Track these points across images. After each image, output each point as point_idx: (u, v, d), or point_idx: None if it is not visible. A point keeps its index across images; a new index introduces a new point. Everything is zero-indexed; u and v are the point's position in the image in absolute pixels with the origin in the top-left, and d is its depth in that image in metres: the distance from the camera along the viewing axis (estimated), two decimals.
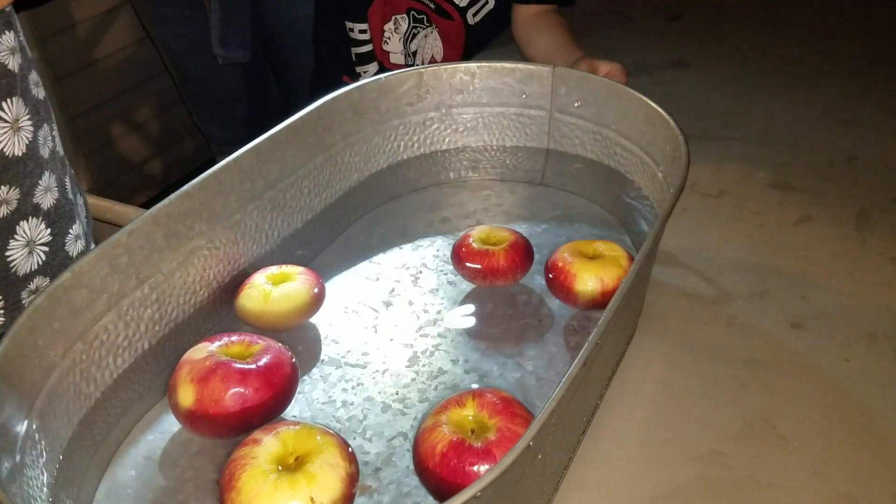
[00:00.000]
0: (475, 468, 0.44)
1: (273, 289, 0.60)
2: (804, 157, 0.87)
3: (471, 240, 0.64)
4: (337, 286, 0.66)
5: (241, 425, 0.50)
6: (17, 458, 0.43)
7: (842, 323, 0.65)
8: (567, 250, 0.62)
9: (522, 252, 0.63)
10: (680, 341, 0.64)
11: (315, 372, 0.59)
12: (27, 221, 0.63)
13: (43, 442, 0.47)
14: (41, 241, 0.65)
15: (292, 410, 0.55)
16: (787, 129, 0.92)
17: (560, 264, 0.61)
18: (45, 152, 0.63)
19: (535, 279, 0.65)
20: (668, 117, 0.62)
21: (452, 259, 0.65)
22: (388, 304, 0.64)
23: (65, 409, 0.49)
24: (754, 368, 0.61)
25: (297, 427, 0.47)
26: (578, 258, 0.61)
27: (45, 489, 0.45)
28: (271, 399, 0.51)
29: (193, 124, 1.76)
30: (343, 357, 0.59)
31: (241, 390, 0.50)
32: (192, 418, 0.50)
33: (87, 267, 0.51)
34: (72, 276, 0.50)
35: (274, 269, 0.62)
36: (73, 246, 0.69)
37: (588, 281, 0.59)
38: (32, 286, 0.66)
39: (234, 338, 0.54)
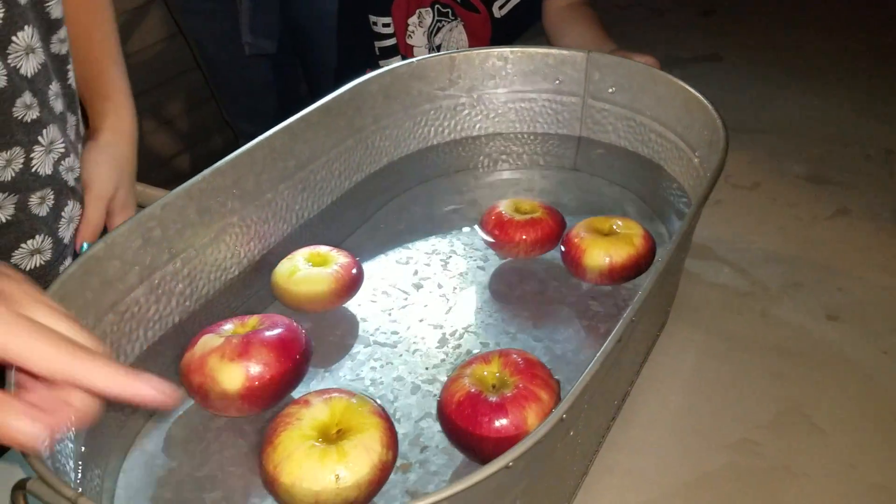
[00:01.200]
0: (487, 419, 0.45)
1: (302, 268, 0.59)
2: (839, 150, 0.85)
3: (501, 208, 0.64)
4: (366, 268, 0.66)
5: (293, 381, 0.51)
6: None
7: (878, 315, 0.64)
8: (583, 226, 0.62)
9: (557, 219, 0.64)
10: (713, 331, 0.63)
11: (342, 350, 0.58)
12: None
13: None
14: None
15: (319, 387, 0.55)
16: (822, 124, 0.91)
17: (573, 239, 0.61)
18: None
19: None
20: (705, 101, 0.61)
21: (483, 226, 0.65)
22: (417, 287, 0.64)
23: None
24: (788, 359, 0.60)
25: (353, 399, 0.46)
26: (592, 234, 0.61)
27: (71, 460, 0.45)
28: (302, 359, 0.51)
29: (222, 121, 1.77)
30: (372, 335, 0.59)
31: (278, 352, 0.50)
32: (247, 395, 0.49)
33: (121, 238, 0.51)
34: (105, 246, 0.50)
35: (323, 249, 0.61)
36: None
37: (596, 256, 0.59)
38: None
39: (227, 325, 0.52)
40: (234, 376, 0.48)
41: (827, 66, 1.03)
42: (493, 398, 0.46)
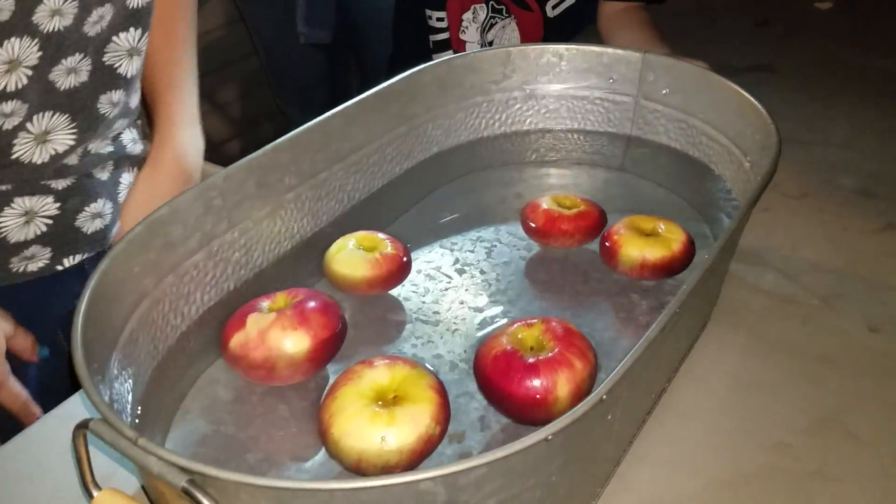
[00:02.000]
0: (518, 377, 0.47)
1: (345, 250, 0.61)
2: (890, 166, 0.85)
3: (543, 201, 0.66)
4: (411, 250, 0.68)
5: (341, 342, 0.54)
6: (112, 371, 0.45)
7: None
8: (625, 223, 0.63)
9: (598, 214, 0.66)
10: (754, 335, 0.63)
11: (385, 325, 0.60)
12: (30, 197, 0.63)
13: (130, 369, 0.49)
14: (45, 213, 0.65)
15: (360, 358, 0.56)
16: (875, 138, 0.90)
17: (613, 235, 0.62)
18: (71, 159, 0.63)
19: None
20: (759, 106, 0.62)
21: (525, 216, 0.66)
22: (460, 272, 0.65)
23: (151, 337, 0.52)
24: (828, 366, 0.60)
25: (414, 369, 0.48)
26: (631, 231, 0.62)
27: (127, 416, 0.48)
28: (344, 321, 0.54)
29: (274, 108, 1.80)
30: (414, 314, 0.61)
31: (328, 315, 0.53)
32: (313, 356, 0.52)
33: (184, 204, 0.53)
34: (169, 210, 0.52)
35: (380, 236, 0.62)
36: (89, 224, 0.69)
37: (631, 254, 0.61)
38: (27, 253, 0.66)
39: (263, 303, 0.54)
40: (299, 342, 0.51)
41: (882, 84, 1.02)
42: (528, 358, 0.48)
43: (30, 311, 0.65)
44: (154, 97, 0.76)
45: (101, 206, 0.68)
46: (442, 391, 0.48)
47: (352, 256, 0.60)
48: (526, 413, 0.48)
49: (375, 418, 0.45)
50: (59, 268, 0.68)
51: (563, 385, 0.47)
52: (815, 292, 0.67)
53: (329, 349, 0.53)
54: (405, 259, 0.61)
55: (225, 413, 0.53)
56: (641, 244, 0.61)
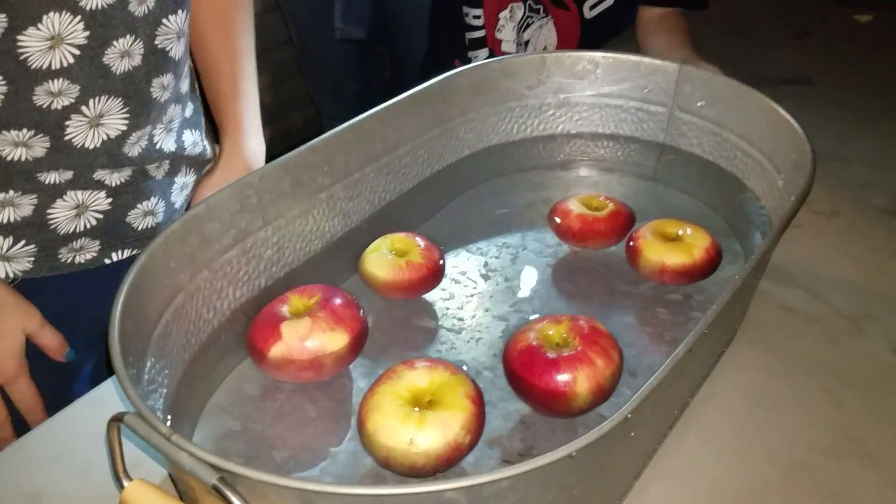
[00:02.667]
0: (539, 371, 0.50)
1: (378, 251, 0.62)
2: None
3: (571, 202, 0.68)
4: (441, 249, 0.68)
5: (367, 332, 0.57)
6: (147, 363, 0.47)
7: None
8: (651, 226, 0.64)
9: (625, 215, 0.67)
10: (778, 352, 0.63)
11: (410, 329, 0.61)
12: (83, 192, 0.64)
13: (163, 361, 0.50)
14: (96, 208, 0.65)
15: (386, 361, 0.57)
16: None
17: (637, 238, 0.64)
18: (132, 150, 0.64)
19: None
20: (794, 124, 0.61)
21: (552, 215, 0.68)
22: (485, 278, 0.66)
23: (185, 331, 0.53)
24: (851, 388, 0.60)
25: (454, 375, 0.49)
26: (655, 235, 0.63)
27: (161, 398, 0.49)
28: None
29: (305, 97, 1.82)
30: (438, 320, 0.61)
31: (352, 309, 0.55)
32: (353, 347, 0.54)
33: (221, 202, 0.54)
34: (206, 208, 0.53)
35: (418, 242, 0.62)
36: (140, 221, 0.69)
37: (650, 259, 0.62)
38: (76, 245, 0.66)
39: (284, 308, 0.55)
40: (339, 339, 0.53)
41: None
42: (550, 354, 0.50)
43: (74, 304, 0.67)
44: (220, 105, 0.78)
45: (154, 204, 0.69)
46: (478, 401, 0.48)
47: (380, 258, 0.61)
48: (546, 405, 0.51)
49: (407, 419, 0.46)
50: (107, 261, 0.69)
51: (582, 382, 0.49)
52: (841, 312, 0.67)
53: (364, 338, 0.56)
54: (432, 269, 0.61)
55: (253, 409, 0.54)
56: (662, 249, 0.62)
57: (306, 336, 0.52)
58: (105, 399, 0.59)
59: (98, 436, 0.55)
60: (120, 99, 0.61)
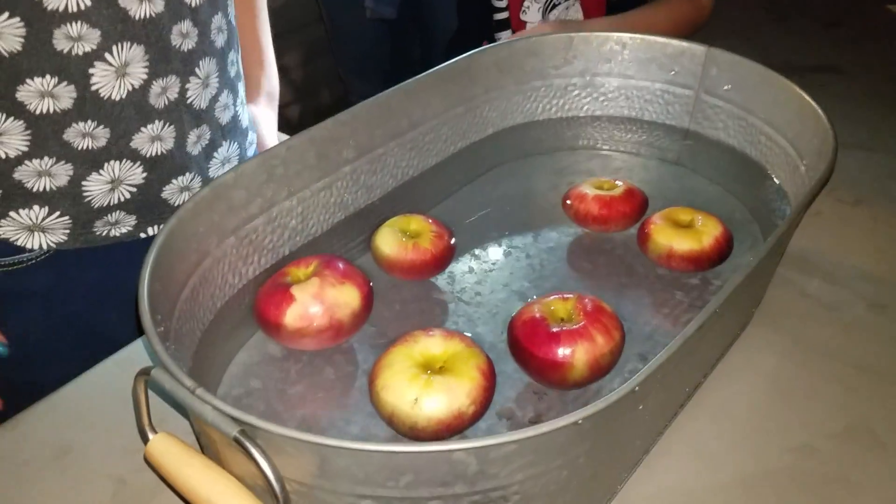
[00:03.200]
0: (540, 342, 0.52)
1: (386, 230, 0.62)
2: None
3: (584, 185, 0.68)
4: (458, 230, 0.69)
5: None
6: (174, 323, 0.48)
7: None
8: (665, 212, 0.65)
9: (639, 199, 0.67)
10: (794, 338, 0.63)
11: (428, 302, 0.62)
12: (119, 162, 0.64)
13: (189, 323, 0.52)
14: (131, 181, 0.66)
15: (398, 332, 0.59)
16: None
17: (648, 224, 0.64)
18: (158, 102, 0.64)
19: None
20: (818, 109, 0.61)
21: (566, 199, 0.69)
22: (506, 254, 0.67)
23: (211, 294, 0.55)
24: (865, 375, 0.60)
25: (469, 347, 0.50)
26: (666, 221, 0.64)
27: (187, 357, 0.51)
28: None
29: (334, 76, 1.83)
30: (457, 293, 0.62)
31: (354, 269, 0.57)
32: (365, 303, 0.56)
33: (249, 170, 0.56)
34: (234, 176, 0.55)
35: (431, 226, 0.62)
36: (176, 196, 0.70)
37: (659, 244, 0.63)
38: (111, 218, 0.67)
39: (287, 279, 0.55)
40: (351, 293, 0.55)
41: None
42: (553, 327, 0.52)
43: (109, 276, 0.68)
44: (245, 75, 0.78)
45: (189, 179, 0.70)
46: (489, 375, 0.50)
47: (391, 234, 0.62)
48: (544, 374, 0.53)
49: (414, 381, 0.48)
50: (143, 235, 0.70)
51: (580, 355, 0.51)
52: (860, 300, 0.67)
53: (372, 297, 0.57)
54: (436, 255, 0.61)
55: (275, 370, 0.56)
56: (671, 234, 0.63)
57: (319, 292, 0.53)
58: (132, 359, 0.61)
59: (125, 394, 0.56)
60: (142, 46, 0.60)
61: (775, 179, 0.68)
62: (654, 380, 0.42)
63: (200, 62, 0.66)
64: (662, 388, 0.47)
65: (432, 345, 0.50)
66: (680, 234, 0.63)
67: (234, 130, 0.73)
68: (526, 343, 0.53)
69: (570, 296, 0.55)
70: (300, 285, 0.54)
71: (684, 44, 0.72)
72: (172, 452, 0.43)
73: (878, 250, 0.73)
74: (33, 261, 0.66)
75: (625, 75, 0.76)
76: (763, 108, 0.69)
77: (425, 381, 0.48)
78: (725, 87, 0.71)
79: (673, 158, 0.77)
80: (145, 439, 0.44)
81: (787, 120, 0.66)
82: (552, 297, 0.55)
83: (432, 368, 0.49)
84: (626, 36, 0.74)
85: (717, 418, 0.57)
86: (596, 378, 0.53)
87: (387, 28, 1.54)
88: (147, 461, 0.43)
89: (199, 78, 0.66)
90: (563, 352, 0.51)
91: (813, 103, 0.62)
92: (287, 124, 2.00)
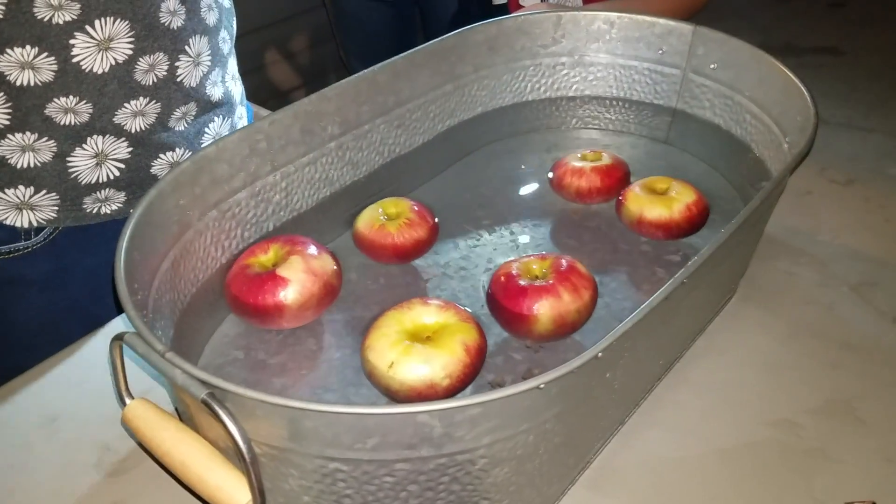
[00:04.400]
0: (510, 294, 0.55)
1: (366, 213, 0.63)
2: None
3: (569, 157, 0.70)
4: (445, 207, 0.70)
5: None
6: (151, 296, 0.49)
7: None
8: (642, 182, 0.67)
9: (621, 169, 0.69)
10: (778, 315, 0.63)
11: (412, 275, 0.62)
12: (102, 137, 0.64)
13: (170, 294, 0.53)
14: (116, 157, 0.65)
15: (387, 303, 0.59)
16: None
17: (626, 192, 0.66)
18: (145, 79, 0.63)
19: None
20: (802, 87, 0.61)
21: (552, 170, 0.70)
22: (490, 231, 0.67)
23: (192, 267, 0.55)
24: (848, 353, 0.60)
25: (462, 323, 0.51)
26: (642, 189, 0.65)
27: (170, 329, 0.51)
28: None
29: (338, 61, 1.83)
30: (441, 268, 0.63)
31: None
32: (338, 272, 0.58)
33: (231, 144, 0.56)
34: (216, 149, 0.55)
35: (411, 209, 0.62)
36: (178, 123, 0.69)
37: (631, 209, 0.65)
38: (101, 195, 0.67)
39: (259, 257, 0.56)
40: (328, 258, 0.57)
41: None
42: (524, 282, 0.55)
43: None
44: None
45: (179, 155, 0.70)
46: (474, 353, 0.50)
47: (363, 219, 0.62)
48: (512, 326, 0.56)
49: (395, 345, 0.49)
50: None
51: (545, 311, 0.54)
52: (847, 279, 0.67)
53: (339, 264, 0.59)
54: (406, 243, 0.61)
55: (257, 341, 0.56)
56: (643, 201, 0.64)
57: (307, 267, 0.55)
58: (119, 331, 0.62)
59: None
60: (127, 21, 0.60)
61: (760, 157, 0.68)
62: (620, 347, 0.43)
63: (190, 40, 0.66)
64: (633, 357, 0.47)
65: (425, 314, 0.52)
66: (652, 202, 0.64)
67: (225, 106, 0.74)
68: (497, 296, 0.56)
69: (550, 256, 0.57)
70: (285, 266, 0.55)
71: (672, 23, 0.72)
72: (148, 417, 0.44)
73: (868, 230, 0.73)
74: (32, 247, 0.67)
75: (613, 54, 0.76)
76: (749, 86, 0.69)
77: (405, 348, 0.49)
78: (712, 66, 0.71)
79: (661, 137, 0.77)
80: (123, 403, 0.45)
81: (773, 98, 0.66)
82: (532, 257, 0.58)
83: (419, 337, 0.50)
84: (613, 15, 0.74)
85: (696, 391, 0.57)
86: (562, 334, 0.55)
87: (389, 12, 1.55)
88: (124, 425, 0.44)
89: (190, 56, 0.66)
90: (528, 305, 0.54)
91: (797, 81, 0.62)
92: None
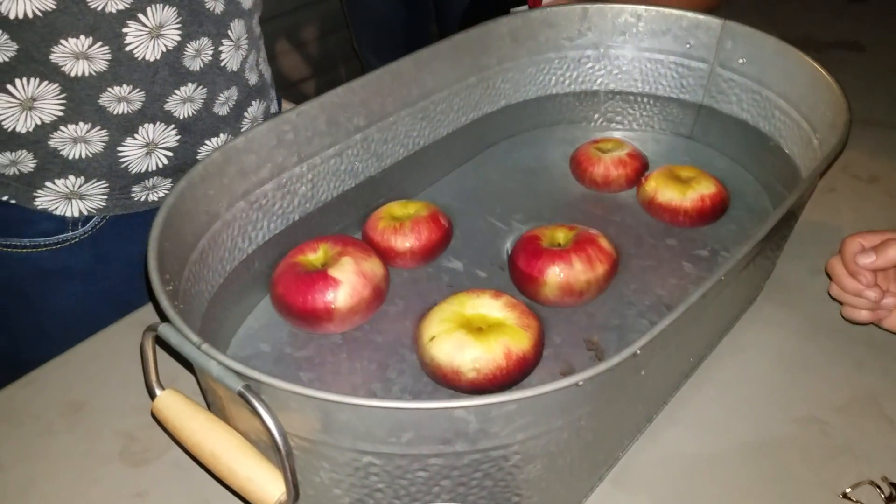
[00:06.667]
0: (525, 256, 0.58)
1: (385, 213, 0.63)
2: None
3: (587, 147, 0.72)
4: (466, 199, 0.70)
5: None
6: (182, 284, 0.49)
7: None
8: (667, 167, 0.68)
9: (640, 159, 0.71)
10: (803, 312, 0.63)
11: (433, 269, 0.62)
12: (153, 125, 0.64)
13: (198, 285, 0.53)
14: (165, 145, 0.66)
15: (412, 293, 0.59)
16: None
17: (649, 175, 0.68)
18: (192, 64, 0.63)
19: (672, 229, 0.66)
20: (833, 82, 0.61)
21: (570, 162, 0.72)
22: (508, 223, 0.67)
23: (220, 257, 0.55)
24: (874, 350, 0.60)
25: (516, 327, 0.51)
26: (662, 173, 0.67)
27: (196, 320, 0.51)
28: None
29: (350, 51, 1.82)
30: (462, 262, 0.63)
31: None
32: (387, 274, 0.58)
33: (259, 135, 0.56)
34: (245, 140, 0.55)
35: (419, 213, 0.62)
36: (221, 108, 0.69)
37: (646, 189, 0.67)
38: (148, 183, 0.67)
39: (310, 256, 0.57)
40: (377, 263, 0.57)
41: None
42: (544, 246, 0.58)
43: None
44: None
45: (223, 140, 0.70)
46: (516, 361, 0.50)
47: (389, 212, 0.63)
48: (521, 285, 0.58)
49: (443, 322, 0.51)
50: None
51: (553, 276, 0.56)
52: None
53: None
54: (397, 248, 0.61)
55: (283, 334, 0.56)
56: (660, 183, 0.66)
57: (358, 269, 0.54)
58: (144, 320, 0.62)
59: (136, 353, 0.58)
60: (174, 8, 0.60)
61: (788, 153, 0.67)
62: (656, 345, 0.42)
63: (231, 24, 0.66)
64: (665, 355, 0.47)
65: (490, 307, 0.52)
66: (668, 185, 0.65)
67: (261, 89, 0.74)
68: (514, 255, 0.59)
69: (578, 227, 0.60)
70: (337, 267, 0.54)
71: (700, 16, 0.72)
72: (178, 408, 0.43)
73: (892, 226, 0.72)
74: (76, 239, 0.66)
75: (639, 48, 0.75)
76: (778, 81, 0.68)
77: (449, 328, 0.51)
78: (740, 61, 0.70)
79: (685, 132, 0.77)
80: (153, 395, 0.44)
81: (802, 94, 0.66)
82: (560, 226, 0.60)
83: (471, 326, 0.51)
84: (641, 8, 0.73)
85: (722, 389, 0.57)
86: (570, 302, 0.57)
87: (403, 2, 1.54)
88: (154, 416, 0.44)
89: (232, 41, 0.66)
90: (539, 268, 0.56)
91: (828, 76, 0.62)
92: (303, 99, 2.00)
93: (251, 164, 0.56)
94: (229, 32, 0.66)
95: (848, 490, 0.50)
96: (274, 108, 0.79)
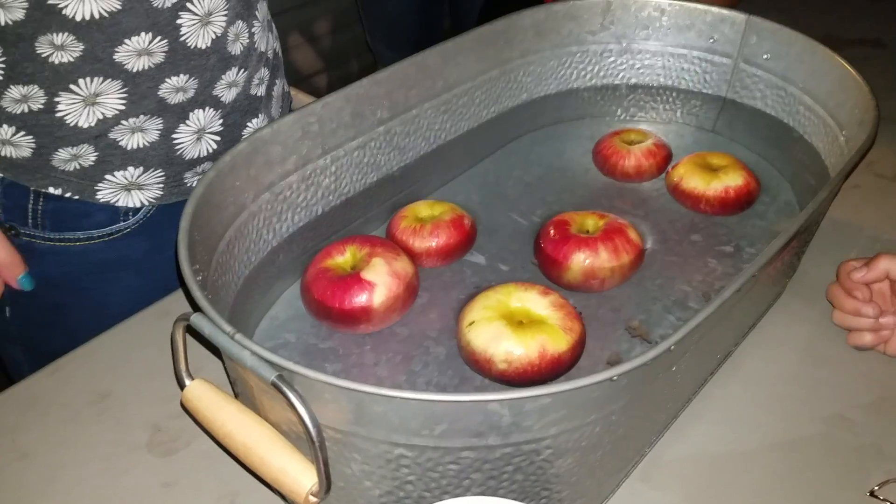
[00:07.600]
0: (551, 242, 0.59)
1: (409, 212, 0.63)
2: None
3: (611, 138, 0.73)
4: (488, 193, 0.69)
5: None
6: (210, 274, 0.49)
7: None
8: (701, 153, 0.69)
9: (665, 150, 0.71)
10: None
11: (458, 264, 0.62)
12: (203, 111, 0.64)
13: (226, 276, 0.53)
14: (212, 129, 0.66)
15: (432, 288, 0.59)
16: None
17: (681, 160, 0.69)
18: (234, 48, 0.64)
19: (691, 219, 0.66)
20: (860, 79, 0.60)
21: (594, 153, 0.73)
22: (530, 219, 0.67)
23: (246, 248, 0.55)
24: None
25: (559, 330, 0.51)
26: (693, 160, 0.68)
27: (224, 311, 0.51)
28: None
29: (362, 46, 1.82)
30: (485, 256, 0.63)
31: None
32: (416, 271, 0.58)
33: (285, 126, 0.56)
34: (271, 131, 0.55)
35: (444, 214, 0.62)
36: (258, 89, 0.69)
37: (672, 174, 0.68)
38: (199, 169, 0.68)
39: (339, 258, 0.57)
40: (407, 262, 0.57)
41: None
42: (572, 232, 0.59)
43: None
44: None
45: (261, 121, 0.70)
46: (550, 360, 0.50)
47: (413, 211, 0.63)
48: (545, 268, 0.59)
49: (485, 310, 0.52)
50: None
51: (577, 262, 0.57)
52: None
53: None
54: (415, 249, 0.61)
55: (308, 325, 0.56)
56: (689, 169, 0.67)
57: (391, 270, 0.55)
58: (170, 310, 0.62)
59: (161, 342, 0.58)
60: None
61: (814, 150, 0.67)
62: (689, 341, 0.42)
63: (258, 6, 0.67)
64: (696, 351, 0.47)
65: (533, 302, 0.53)
66: (696, 173, 0.66)
67: (278, 67, 0.74)
68: (541, 239, 0.59)
69: (609, 216, 0.60)
70: (369, 269, 0.54)
71: (724, 11, 0.71)
72: (209, 398, 0.43)
73: None
74: (129, 228, 0.67)
75: (662, 42, 0.75)
76: (803, 77, 0.68)
77: (489, 317, 0.51)
78: (765, 56, 0.70)
79: (708, 126, 0.76)
80: (182, 385, 0.44)
81: (828, 90, 0.65)
82: (592, 214, 0.61)
83: (513, 319, 0.51)
84: (665, 2, 0.73)
85: (747, 386, 0.56)
86: (592, 288, 0.58)
87: None
88: (183, 406, 0.44)
89: (259, 21, 0.67)
90: (565, 253, 0.57)
91: (855, 73, 0.61)
92: (315, 93, 2.00)
93: (277, 156, 0.56)
94: (257, 13, 0.66)
95: (875, 488, 0.50)
96: (286, 86, 0.79)
